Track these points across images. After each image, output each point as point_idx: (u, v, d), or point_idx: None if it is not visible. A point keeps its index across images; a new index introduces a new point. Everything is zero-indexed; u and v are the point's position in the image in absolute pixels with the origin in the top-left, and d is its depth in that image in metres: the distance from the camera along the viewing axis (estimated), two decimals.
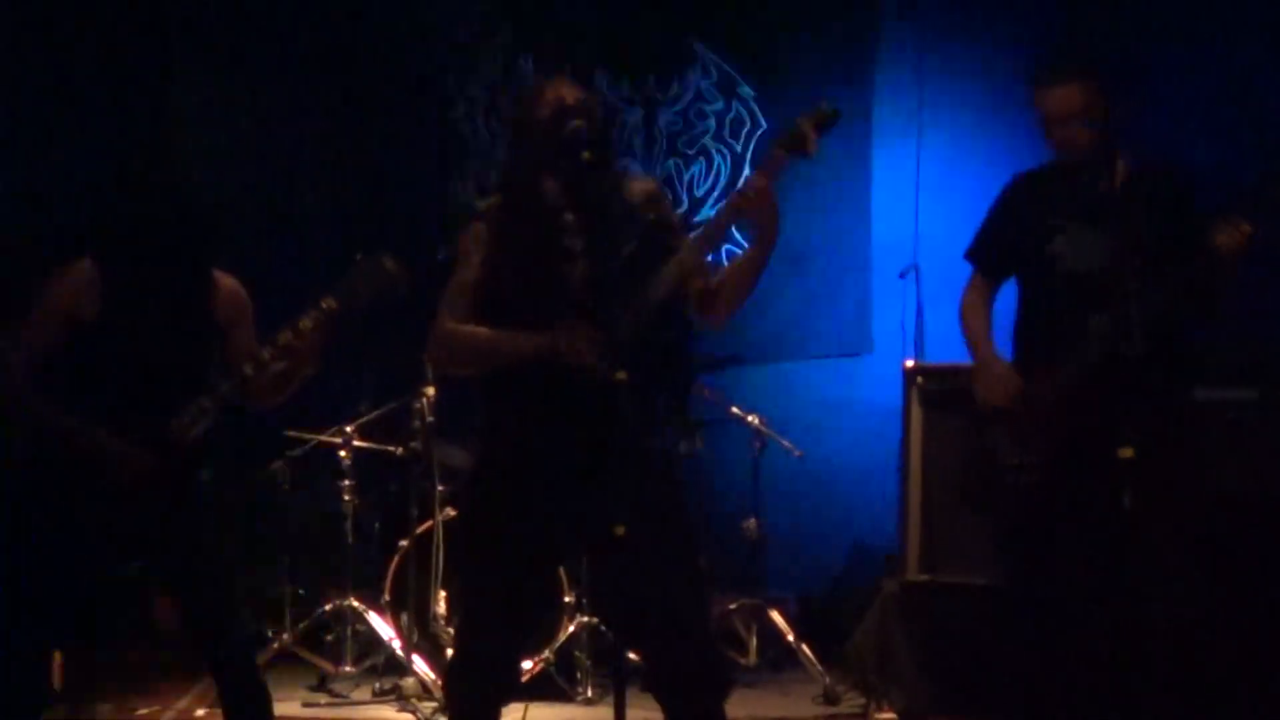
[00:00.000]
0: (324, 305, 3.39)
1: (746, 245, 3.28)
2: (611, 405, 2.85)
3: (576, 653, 5.04)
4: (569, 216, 3.13)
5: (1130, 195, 3.48)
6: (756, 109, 6.35)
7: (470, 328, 3.15)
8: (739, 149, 6.36)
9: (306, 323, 3.37)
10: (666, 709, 3.18)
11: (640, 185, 3.28)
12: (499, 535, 3.13)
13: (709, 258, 3.28)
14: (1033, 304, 3.65)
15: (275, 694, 3.58)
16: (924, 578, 4.80)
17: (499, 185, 3.27)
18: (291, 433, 5.46)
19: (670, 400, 3.21)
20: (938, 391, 4.79)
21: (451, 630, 5.02)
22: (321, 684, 5.23)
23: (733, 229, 5.43)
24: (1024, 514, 3.54)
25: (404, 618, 5.11)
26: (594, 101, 3.23)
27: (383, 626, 5.22)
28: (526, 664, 4.77)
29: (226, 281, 3.55)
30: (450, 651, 4.97)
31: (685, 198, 6.41)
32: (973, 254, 3.85)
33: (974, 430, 3.67)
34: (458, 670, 3.26)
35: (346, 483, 5.36)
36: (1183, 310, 3.45)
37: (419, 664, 5.01)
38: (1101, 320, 3.40)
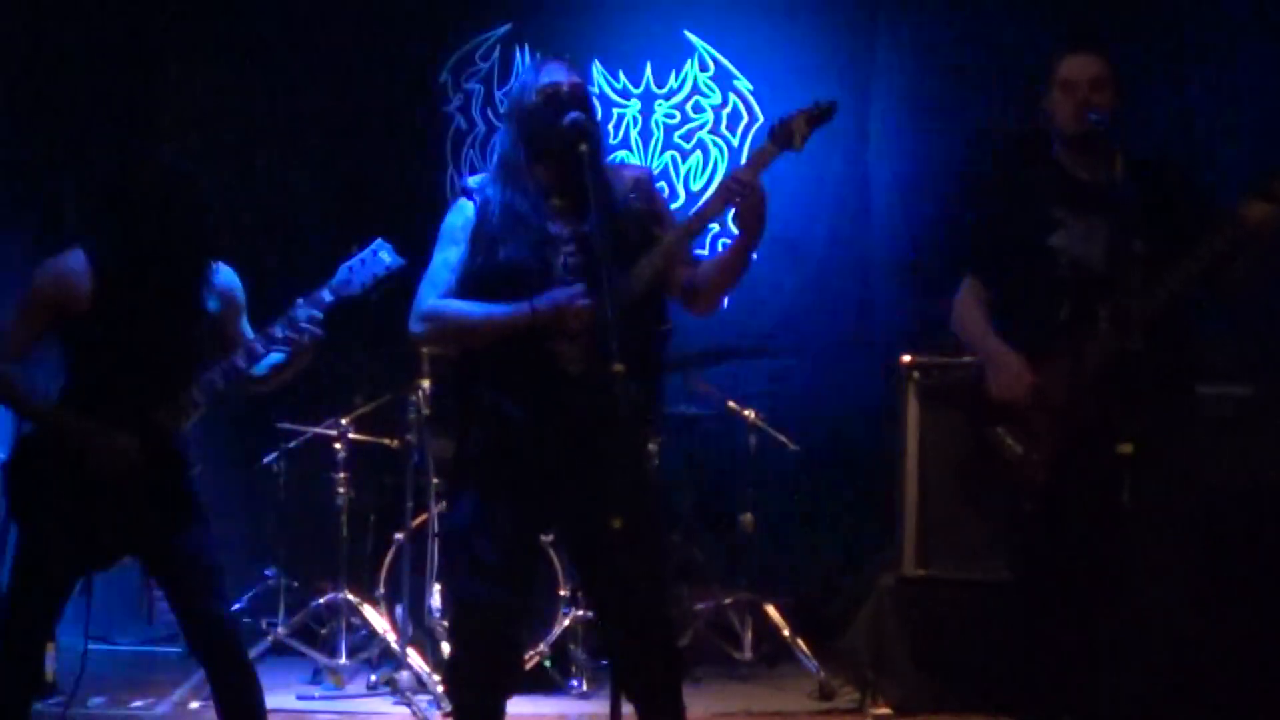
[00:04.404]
0: (318, 295, 3.39)
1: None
2: (609, 398, 2.83)
3: (571, 646, 5.04)
4: (557, 201, 3.13)
5: (1128, 186, 3.48)
6: (754, 103, 6.35)
7: (458, 302, 3.15)
8: (736, 143, 6.36)
9: (300, 313, 3.37)
10: (626, 690, 3.20)
11: (631, 173, 3.28)
12: (480, 526, 3.13)
13: (693, 247, 3.26)
14: (1031, 299, 3.59)
15: (269, 686, 3.57)
16: (919, 572, 4.80)
17: (494, 167, 3.24)
18: (286, 425, 5.45)
19: (648, 390, 3.18)
20: (934, 386, 4.80)
21: (446, 623, 5.02)
22: (315, 676, 5.22)
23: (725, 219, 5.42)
24: (1033, 509, 3.51)
25: (398, 610, 5.11)
26: (585, 89, 3.23)
27: (377, 619, 5.22)
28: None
29: (222, 271, 3.54)
30: (445, 645, 5.00)
31: (681, 191, 6.41)
32: (971, 264, 3.77)
33: (979, 425, 3.63)
34: (457, 666, 3.26)
35: (341, 475, 5.34)
36: (1203, 291, 3.41)
37: (413, 657, 5.01)
38: (1110, 310, 3.38)
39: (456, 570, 3.22)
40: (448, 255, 3.20)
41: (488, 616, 3.13)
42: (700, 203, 3.15)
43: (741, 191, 3.04)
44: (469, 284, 3.15)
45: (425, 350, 3.31)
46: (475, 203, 3.21)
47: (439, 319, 3.15)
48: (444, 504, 5.09)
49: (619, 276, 3.04)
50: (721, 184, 3.11)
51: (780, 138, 3.06)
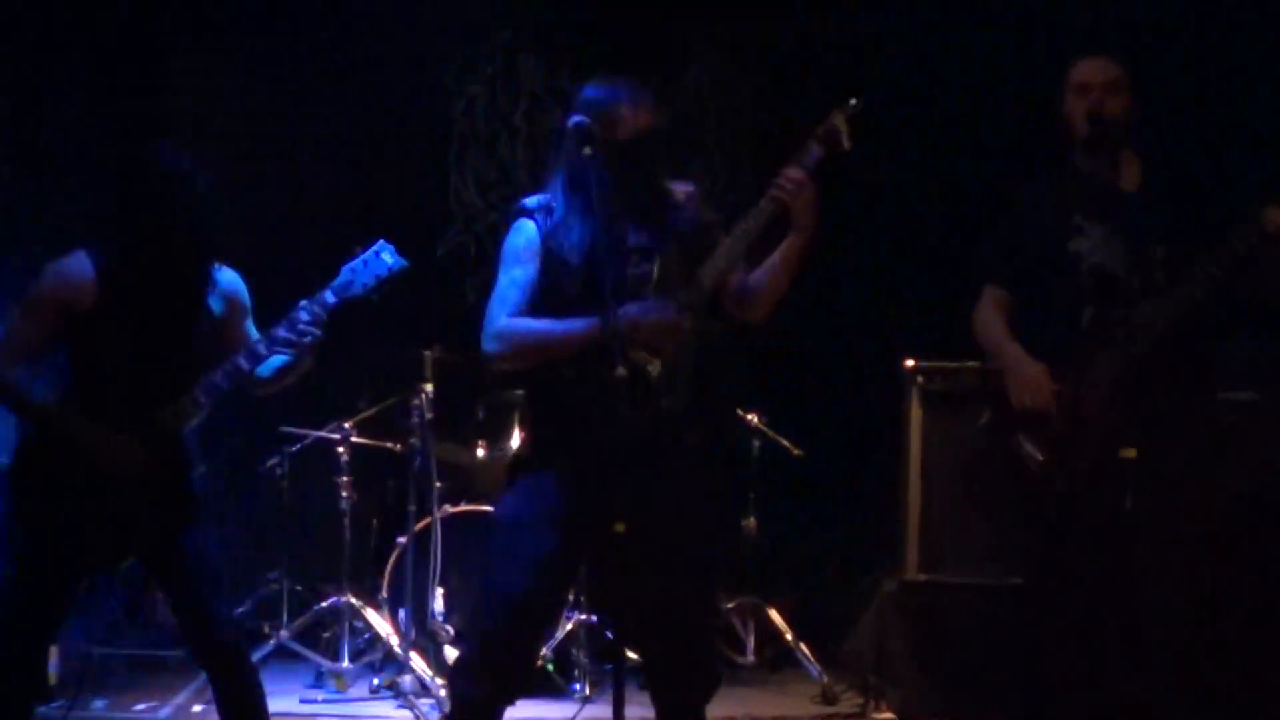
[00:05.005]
0: (321, 297, 3.39)
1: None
2: (613, 403, 2.88)
3: (574, 650, 5.03)
4: (629, 214, 3.17)
5: (1145, 192, 3.46)
6: (758, 107, 6.34)
7: (531, 320, 3.18)
8: (739, 147, 6.36)
9: (303, 314, 3.37)
10: (656, 700, 3.22)
11: (682, 188, 3.33)
12: (527, 530, 3.16)
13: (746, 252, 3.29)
14: (1052, 306, 3.56)
15: (272, 690, 3.58)
16: (922, 577, 4.80)
17: (563, 184, 3.26)
18: (289, 429, 5.45)
19: (710, 395, 3.25)
20: (937, 391, 4.79)
21: (449, 628, 5.02)
22: (318, 680, 5.22)
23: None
24: (1057, 516, 3.49)
25: (401, 614, 5.11)
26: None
27: (380, 623, 5.22)
28: None
29: (226, 274, 3.54)
30: (448, 649, 5.00)
31: None
32: (990, 273, 3.74)
33: (999, 434, 3.60)
34: (472, 660, 3.25)
35: (345, 479, 5.36)
36: (1228, 297, 3.35)
37: (416, 661, 5.01)
38: (1123, 315, 3.35)
39: (501, 562, 3.20)
40: (514, 274, 3.22)
41: (523, 612, 3.14)
42: (755, 207, 3.17)
43: (795, 191, 3.09)
44: (544, 301, 3.19)
45: (504, 368, 3.34)
46: (537, 223, 3.23)
47: (514, 336, 3.18)
48: (446, 507, 5.12)
49: (688, 283, 3.13)
50: (774, 185, 3.14)
51: (827, 139, 3.12)
